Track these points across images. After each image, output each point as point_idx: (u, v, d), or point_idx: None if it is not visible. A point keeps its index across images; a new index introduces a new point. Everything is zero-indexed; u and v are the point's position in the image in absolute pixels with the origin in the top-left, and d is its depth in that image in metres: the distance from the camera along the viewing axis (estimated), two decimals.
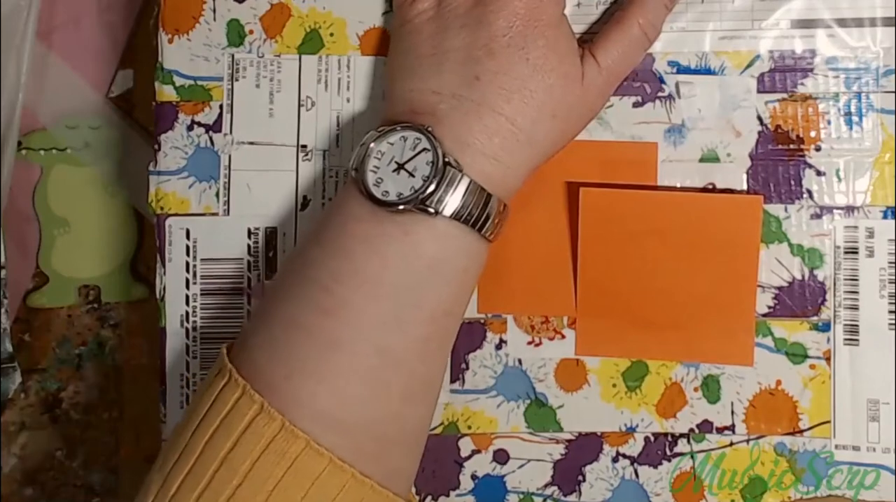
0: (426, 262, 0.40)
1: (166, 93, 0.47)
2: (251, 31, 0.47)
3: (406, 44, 0.43)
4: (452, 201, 0.39)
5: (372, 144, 0.40)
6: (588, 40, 0.44)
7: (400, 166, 0.40)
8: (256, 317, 0.41)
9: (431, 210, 0.39)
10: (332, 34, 0.47)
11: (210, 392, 0.39)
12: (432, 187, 0.39)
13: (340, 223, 0.40)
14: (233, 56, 0.47)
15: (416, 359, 0.40)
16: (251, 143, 0.47)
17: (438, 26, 0.42)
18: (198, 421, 0.38)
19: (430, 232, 0.39)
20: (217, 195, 0.47)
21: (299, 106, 0.47)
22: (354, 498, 0.38)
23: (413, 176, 0.39)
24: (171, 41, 0.47)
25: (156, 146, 0.47)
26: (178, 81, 0.47)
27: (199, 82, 0.47)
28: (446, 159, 0.39)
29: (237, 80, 0.47)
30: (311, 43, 0.47)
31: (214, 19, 0.47)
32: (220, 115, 0.47)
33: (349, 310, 0.39)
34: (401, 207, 0.39)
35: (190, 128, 0.47)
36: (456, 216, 0.39)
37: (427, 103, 0.41)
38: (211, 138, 0.47)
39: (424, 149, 0.39)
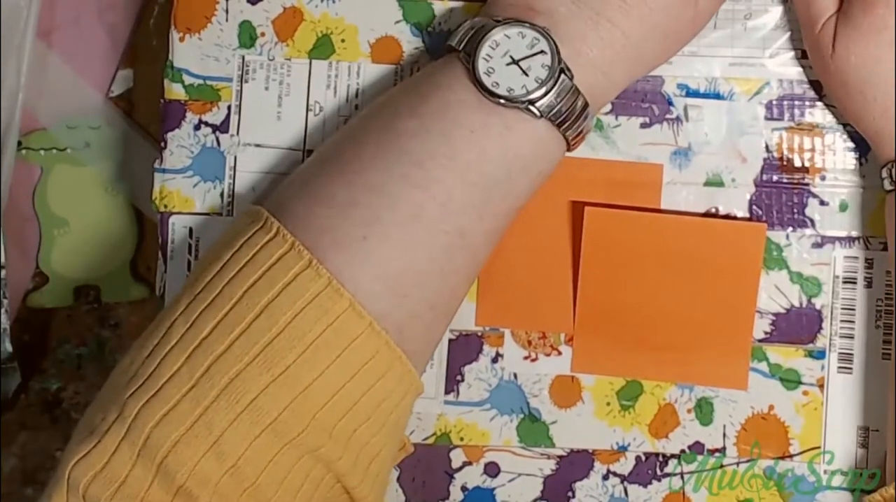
0: (520, 161, 0.40)
1: (175, 91, 0.47)
2: (263, 34, 0.47)
3: None
4: (558, 108, 0.40)
5: (490, 32, 0.40)
6: None
7: (514, 62, 0.40)
8: (325, 177, 0.41)
9: (537, 112, 0.39)
10: (343, 40, 0.47)
11: (250, 244, 0.38)
12: (543, 90, 0.39)
13: (444, 104, 0.40)
14: (243, 57, 0.47)
15: (483, 247, 0.41)
16: (258, 146, 0.47)
17: None
18: (234, 271, 0.38)
19: (530, 133, 0.40)
20: (221, 196, 0.47)
21: (307, 110, 0.47)
22: (383, 367, 0.38)
23: (527, 75, 0.39)
24: (182, 39, 0.47)
25: (162, 144, 0.47)
26: (188, 80, 0.47)
27: (209, 82, 0.47)
28: (561, 65, 0.39)
29: (246, 81, 0.47)
30: (322, 48, 0.47)
31: (227, 20, 0.47)
32: (228, 115, 0.47)
33: (439, 189, 0.39)
34: (508, 102, 0.39)
35: (197, 127, 0.47)
36: (558, 123, 0.40)
37: (547, 2, 0.41)
38: (217, 138, 0.47)
39: (542, 52, 0.40)
